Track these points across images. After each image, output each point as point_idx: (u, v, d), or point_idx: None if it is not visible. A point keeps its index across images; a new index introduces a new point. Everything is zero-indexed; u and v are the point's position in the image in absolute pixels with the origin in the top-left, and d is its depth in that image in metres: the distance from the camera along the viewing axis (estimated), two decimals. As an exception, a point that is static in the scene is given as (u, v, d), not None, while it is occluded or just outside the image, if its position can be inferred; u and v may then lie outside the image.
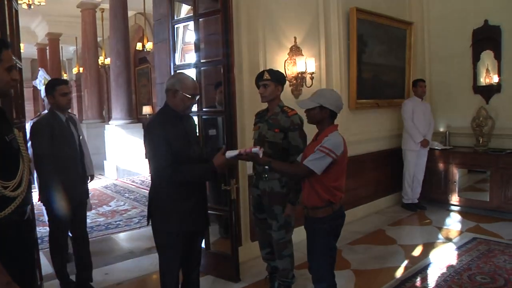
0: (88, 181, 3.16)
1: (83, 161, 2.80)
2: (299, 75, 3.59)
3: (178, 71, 2.97)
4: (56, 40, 10.61)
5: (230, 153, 2.03)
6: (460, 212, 4.47)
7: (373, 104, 4.53)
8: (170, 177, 1.98)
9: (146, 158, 2.12)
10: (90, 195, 3.14)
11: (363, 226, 4.11)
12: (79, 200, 2.73)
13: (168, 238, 2.09)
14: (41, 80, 3.61)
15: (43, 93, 3.06)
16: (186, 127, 2.14)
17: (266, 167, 2.34)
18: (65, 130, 2.63)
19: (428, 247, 3.50)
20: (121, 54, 7.69)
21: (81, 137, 2.88)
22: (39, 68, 3.86)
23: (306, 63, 3.56)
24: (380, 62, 4.57)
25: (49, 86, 2.65)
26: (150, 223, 2.14)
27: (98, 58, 9.31)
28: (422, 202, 4.73)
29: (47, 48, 11.16)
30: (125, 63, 7.75)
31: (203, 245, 3.12)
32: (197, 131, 2.59)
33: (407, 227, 4.11)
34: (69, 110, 2.88)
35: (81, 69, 10.46)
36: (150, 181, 2.15)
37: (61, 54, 11.11)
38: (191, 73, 3.27)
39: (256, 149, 2.04)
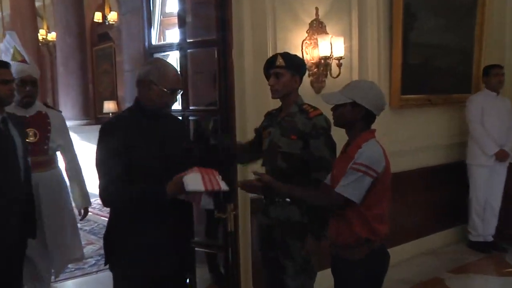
0: (79, 218, 3.34)
1: (30, 183, 2.79)
2: (322, 61, 3.72)
3: (155, 57, 3.12)
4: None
5: (190, 183, 1.97)
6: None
7: (424, 101, 4.63)
8: (102, 192, 2.10)
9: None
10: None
11: (411, 273, 4.17)
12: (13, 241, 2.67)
13: (129, 286, 2.21)
14: (9, 49, 3.37)
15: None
16: (164, 131, 2.23)
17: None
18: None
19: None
20: (72, 28, 7.89)
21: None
22: (6, 32, 3.66)
23: (332, 45, 3.67)
24: (435, 42, 4.67)
25: None
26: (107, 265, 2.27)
27: (38, 31, 9.31)
28: (500, 241, 4.77)
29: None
30: (79, 40, 7.95)
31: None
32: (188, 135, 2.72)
33: (477, 277, 4.15)
34: (50, 105, 3.10)
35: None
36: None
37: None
38: (172, 57, 3.43)
39: (223, 185, 2.06)
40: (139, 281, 2.19)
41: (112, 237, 2.24)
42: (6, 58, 3.25)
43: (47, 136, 3.21)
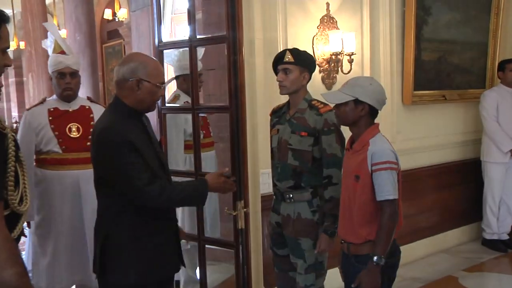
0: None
1: None
2: (333, 56, 3.73)
3: (133, 52, 3.12)
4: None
5: None
6: None
7: (438, 97, 4.63)
8: (159, 195, 2.02)
9: (96, 182, 2.18)
10: None
11: (424, 271, 4.19)
12: None
13: None
14: (51, 41, 3.29)
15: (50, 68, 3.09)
16: (149, 131, 2.22)
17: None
18: None
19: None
20: (82, 25, 7.93)
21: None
22: (43, 24, 3.65)
23: (343, 40, 3.69)
24: (450, 37, 4.67)
25: None
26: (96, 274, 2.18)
27: (48, 29, 9.56)
28: (515, 239, 4.78)
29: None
30: (89, 38, 7.99)
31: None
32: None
33: (492, 276, 4.17)
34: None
35: (22, 43, 10.60)
36: (97, 212, 2.21)
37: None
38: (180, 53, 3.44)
39: None
40: (142, 286, 2.14)
41: (112, 242, 2.12)
42: (50, 51, 3.20)
43: (90, 131, 3.06)
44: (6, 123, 1.60)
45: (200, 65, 3.51)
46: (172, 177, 2.41)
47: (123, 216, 2.10)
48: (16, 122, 10.82)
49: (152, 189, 2.03)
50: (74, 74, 3.06)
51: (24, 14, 9.36)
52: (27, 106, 10.61)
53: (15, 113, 12.89)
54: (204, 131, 3.59)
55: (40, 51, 9.45)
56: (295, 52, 2.66)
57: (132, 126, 2.11)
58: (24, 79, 10.69)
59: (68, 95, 3.07)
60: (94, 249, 2.20)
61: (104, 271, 2.13)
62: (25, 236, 3.12)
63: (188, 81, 3.34)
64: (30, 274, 3.26)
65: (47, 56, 9.86)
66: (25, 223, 2.97)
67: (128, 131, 2.06)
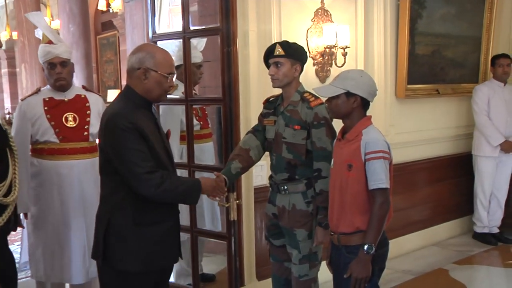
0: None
1: None
2: (327, 49, 3.73)
3: (143, 43, 3.11)
4: None
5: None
6: None
7: (432, 91, 4.64)
8: (158, 185, 2.03)
9: (102, 167, 2.17)
10: None
11: (415, 264, 4.22)
12: None
13: (127, 281, 2.12)
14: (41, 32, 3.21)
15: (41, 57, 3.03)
16: (156, 119, 2.22)
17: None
18: None
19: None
20: (76, 16, 7.90)
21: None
22: (25, 15, 3.48)
23: (337, 33, 3.68)
24: (444, 31, 4.67)
25: None
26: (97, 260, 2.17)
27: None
28: (506, 232, 4.80)
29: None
30: (83, 29, 7.97)
31: (189, 283, 3.30)
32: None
33: (482, 268, 4.20)
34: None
35: (14, 34, 10.52)
36: (100, 199, 2.22)
37: None
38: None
39: None
40: (137, 275, 2.13)
41: (114, 228, 2.12)
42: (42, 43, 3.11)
43: (86, 121, 3.05)
44: None
45: (201, 57, 3.51)
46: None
47: (126, 203, 2.10)
48: (9, 113, 10.74)
49: (152, 177, 2.03)
50: (65, 63, 2.99)
51: (16, 4, 9.28)
52: (20, 97, 10.58)
53: (7, 104, 12.79)
54: (202, 122, 3.58)
55: (33, 42, 9.39)
56: (285, 44, 2.64)
57: (141, 114, 2.12)
58: (17, 69, 10.61)
59: (61, 85, 3.01)
60: (95, 234, 2.20)
61: (105, 257, 2.13)
62: (23, 227, 3.09)
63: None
64: (27, 265, 3.26)
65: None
66: (22, 215, 2.95)
67: (136, 118, 2.07)
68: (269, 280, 3.03)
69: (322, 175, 2.55)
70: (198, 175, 3.17)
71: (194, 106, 3.42)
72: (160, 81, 2.12)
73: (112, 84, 9.91)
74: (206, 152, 3.51)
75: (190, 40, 3.18)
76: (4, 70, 12.91)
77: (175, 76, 2.22)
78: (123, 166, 2.05)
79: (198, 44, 3.52)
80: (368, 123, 2.26)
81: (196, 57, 3.46)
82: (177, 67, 3.48)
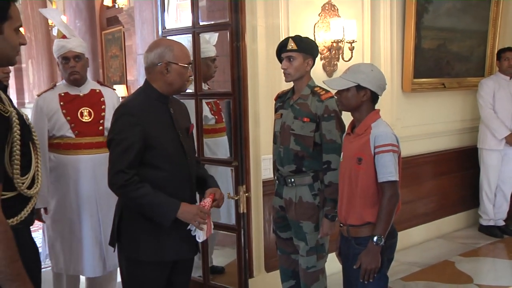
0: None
1: None
2: (334, 44, 3.75)
3: (159, 39, 3.14)
4: None
5: (201, 235, 2.19)
6: None
7: (437, 85, 4.66)
8: (117, 189, 2.09)
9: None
10: None
11: (422, 255, 4.25)
12: None
13: (139, 269, 2.17)
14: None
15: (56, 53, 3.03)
16: (174, 115, 2.22)
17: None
18: None
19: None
20: (82, 11, 7.91)
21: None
22: (39, 10, 3.48)
23: (344, 28, 3.70)
24: (450, 26, 4.67)
25: None
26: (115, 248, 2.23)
27: (48, 15, 9.51)
28: (511, 225, 4.83)
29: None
30: (89, 24, 7.98)
31: (199, 275, 3.34)
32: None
33: (488, 260, 4.22)
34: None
35: (21, 30, 10.63)
36: None
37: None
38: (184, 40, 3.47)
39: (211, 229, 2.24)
40: (151, 265, 2.17)
41: (127, 218, 2.19)
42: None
43: (101, 115, 3.05)
44: (12, 107, 1.58)
45: (214, 51, 3.53)
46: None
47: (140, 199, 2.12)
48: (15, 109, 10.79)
49: (117, 176, 2.07)
50: (78, 57, 2.99)
51: (23, 0, 9.32)
52: (26, 93, 10.64)
53: (14, 100, 12.85)
54: (216, 117, 3.61)
55: (40, 37, 9.44)
56: (297, 39, 2.69)
57: (154, 108, 2.16)
58: (23, 65, 10.64)
59: (75, 79, 3.00)
60: (112, 223, 2.27)
61: (120, 246, 2.22)
62: (43, 222, 3.10)
63: (204, 64, 3.39)
64: (48, 258, 3.28)
65: (48, 42, 9.78)
66: (42, 209, 2.97)
67: (143, 111, 2.12)
68: (277, 272, 3.08)
69: (331, 167, 2.59)
70: (207, 168, 3.22)
71: (208, 101, 3.48)
72: (182, 72, 2.17)
73: (117, 79, 9.91)
74: (221, 146, 3.54)
75: (203, 34, 3.21)
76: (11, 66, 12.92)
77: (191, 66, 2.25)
78: (110, 152, 2.14)
79: (211, 38, 3.54)
80: (377, 117, 2.28)
81: (210, 51, 3.49)
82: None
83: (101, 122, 3.02)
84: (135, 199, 2.09)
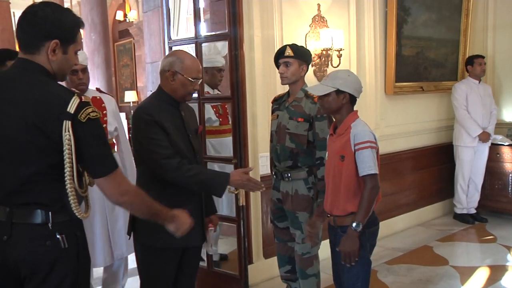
0: None
1: None
2: (324, 52, 3.71)
3: (177, 49, 3.11)
4: (5, 3, 10.57)
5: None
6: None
7: (416, 88, 4.64)
8: (176, 169, 2.04)
9: (134, 154, 2.22)
10: None
11: (403, 242, 4.24)
12: None
13: (152, 256, 2.17)
14: None
15: None
16: (185, 118, 2.22)
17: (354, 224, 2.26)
18: None
19: (497, 271, 3.52)
20: (97, 25, 7.86)
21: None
22: None
23: (332, 37, 3.66)
24: (427, 35, 4.67)
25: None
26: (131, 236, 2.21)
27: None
28: (482, 213, 4.84)
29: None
30: (103, 37, 7.93)
31: (205, 261, 3.29)
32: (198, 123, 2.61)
33: (462, 244, 4.22)
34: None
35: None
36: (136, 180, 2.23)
37: (13, 21, 11.11)
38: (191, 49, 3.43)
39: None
40: (162, 251, 2.14)
41: None
42: None
43: (104, 120, 2.99)
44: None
45: (222, 62, 3.49)
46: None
47: (151, 186, 2.05)
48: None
49: (169, 162, 2.05)
50: (85, 70, 2.96)
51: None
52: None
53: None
54: (221, 119, 3.56)
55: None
56: (294, 47, 2.70)
57: (166, 110, 2.14)
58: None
59: (82, 89, 2.95)
60: (129, 214, 2.24)
61: (135, 234, 2.21)
62: None
63: (210, 73, 3.36)
64: None
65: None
66: None
67: (157, 111, 2.10)
68: (275, 258, 3.04)
69: (324, 163, 2.56)
70: (210, 166, 3.18)
71: (214, 104, 3.45)
72: (185, 83, 2.14)
73: (128, 86, 9.94)
74: (225, 146, 3.49)
75: (216, 45, 3.21)
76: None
77: (200, 81, 2.21)
78: (144, 153, 2.10)
79: (222, 49, 3.50)
80: (356, 117, 2.26)
81: (218, 61, 3.48)
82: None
83: (104, 126, 2.97)
84: (191, 177, 2.08)
